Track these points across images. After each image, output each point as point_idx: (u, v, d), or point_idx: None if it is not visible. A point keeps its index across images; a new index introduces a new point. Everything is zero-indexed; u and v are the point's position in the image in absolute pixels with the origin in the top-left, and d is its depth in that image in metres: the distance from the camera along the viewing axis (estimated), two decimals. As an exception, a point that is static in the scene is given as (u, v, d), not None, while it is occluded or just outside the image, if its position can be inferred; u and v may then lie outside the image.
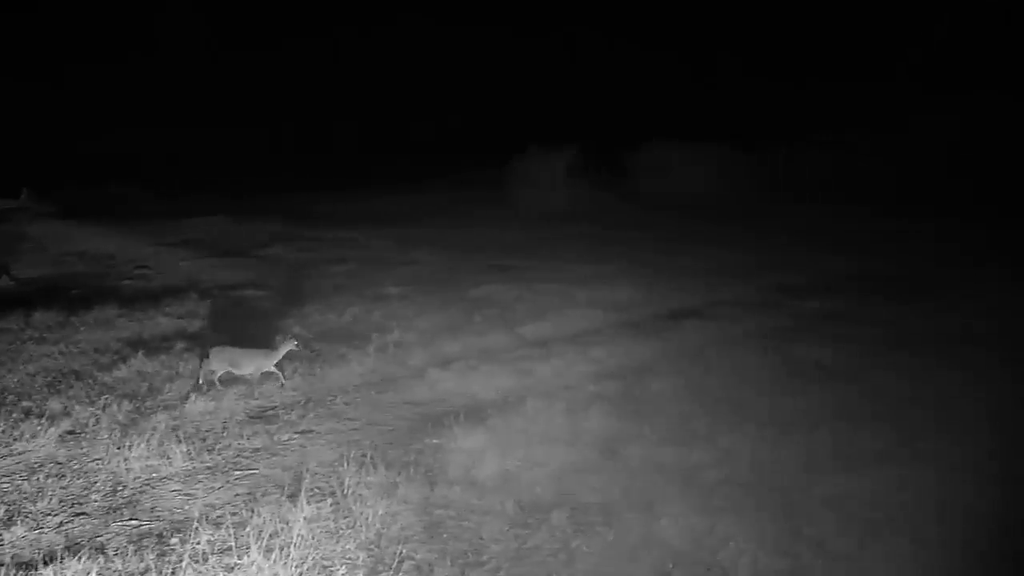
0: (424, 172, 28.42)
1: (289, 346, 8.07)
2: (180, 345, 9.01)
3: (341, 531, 5.12)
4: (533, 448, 6.44)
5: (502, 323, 10.26)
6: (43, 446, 6.39)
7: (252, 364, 7.90)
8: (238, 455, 6.38)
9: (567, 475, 6.02)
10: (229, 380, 7.92)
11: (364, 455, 6.19)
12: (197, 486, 5.80)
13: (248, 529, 4.97)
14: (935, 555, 4.97)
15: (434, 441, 6.66)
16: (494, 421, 6.97)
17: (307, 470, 5.96)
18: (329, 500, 5.51)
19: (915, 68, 31.58)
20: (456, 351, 9.22)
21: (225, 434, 6.75)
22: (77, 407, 7.17)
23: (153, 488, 5.75)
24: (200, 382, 7.85)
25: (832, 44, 34.85)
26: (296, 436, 6.79)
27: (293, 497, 5.43)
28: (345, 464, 5.97)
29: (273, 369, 8.01)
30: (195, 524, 5.02)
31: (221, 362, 7.77)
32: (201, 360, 8.04)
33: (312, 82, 36.31)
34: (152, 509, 5.43)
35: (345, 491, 5.60)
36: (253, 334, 9.53)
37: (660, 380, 8.02)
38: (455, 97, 37.65)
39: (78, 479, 5.87)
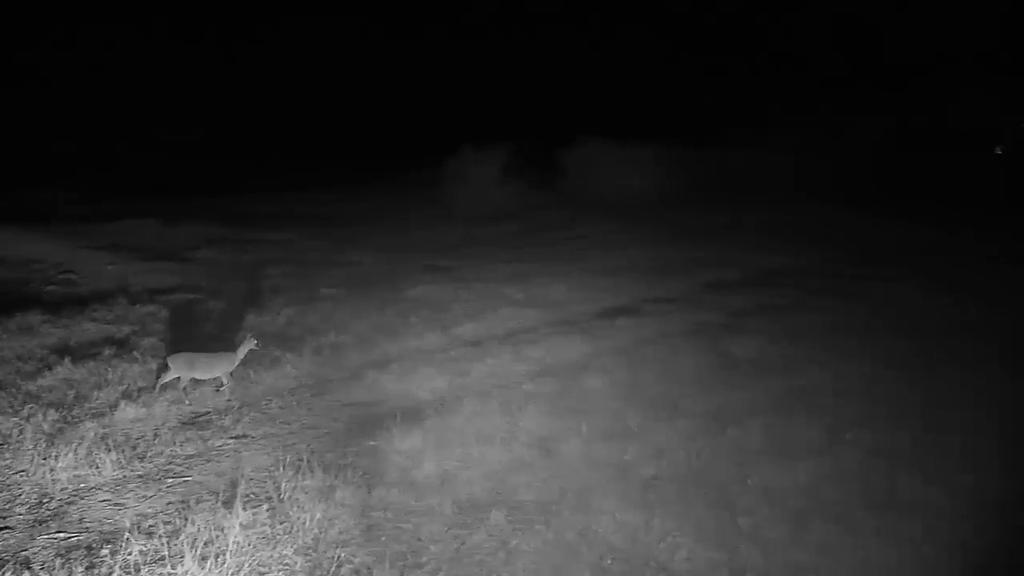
0: (358, 174, 28.17)
1: (249, 346, 7.93)
2: (108, 351, 8.77)
3: (278, 536, 5.08)
4: (470, 448, 6.47)
5: (438, 323, 10.26)
6: (-36, 459, 6.19)
7: (215, 368, 7.74)
8: (170, 462, 6.27)
9: (504, 474, 6.07)
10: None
11: (300, 459, 6.14)
12: (128, 495, 5.69)
13: (182, 538, 4.90)
14: (866, 542, 5.16)
15: (371, 443, 6.64)
16: (431, 422, 6.98)
17: (242, 476, 5.90)
18: (265, 505, 5.46)
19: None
20: (393, 352, 9.19)
21: (157, 441, 6.62)
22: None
23: (81, 499, 5.62)
24: (157, 390, 7.64)
25: (769, 44, 35.83)
26: (230, 442, 6.70)
27: (228, 503, 5.37)
28: (281, 469, 5.92)
29: (229, 373, 7.85)
30: (126, 534, 4.92)
31: (181, 368, 7.55)
32: (159, 369, 7.85)
33: (240, 82, 35.73)
34: (80, 520, 5.31)
35: (281, 496, 5.56)
36: (189, 337, 9.38)
37: (595, 378, 8.13)
38: (385, 98, 37.41)
39: (1, 492, 5.70)
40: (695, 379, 8.15)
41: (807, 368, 8.48)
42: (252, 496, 5.62)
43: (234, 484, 5.70)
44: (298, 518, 5.24)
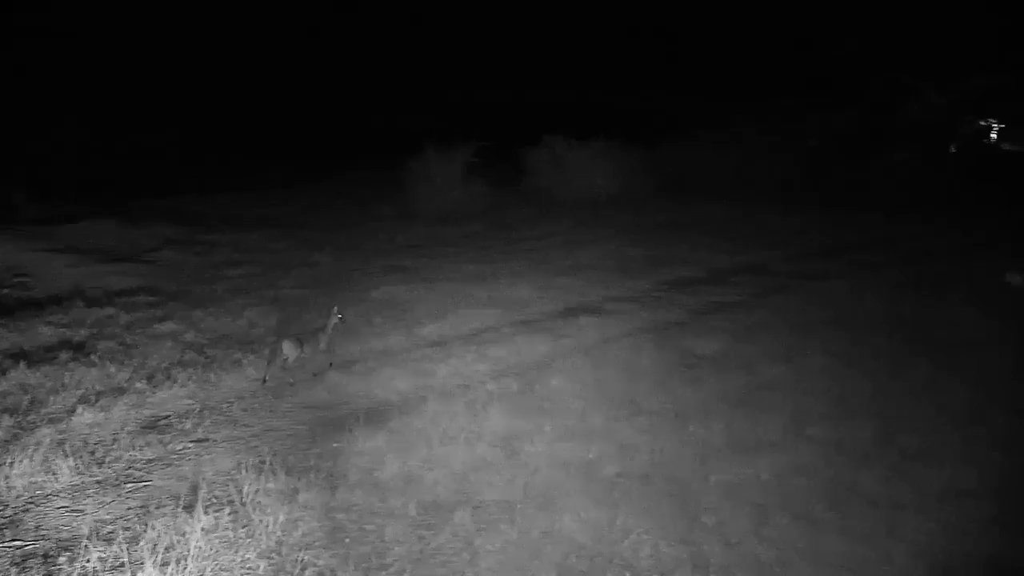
0: (320, 174, 27.96)
1: (334, 320, 8.59)
2: (65, 355, 8.63)
3: (240, 540, 5.04)
4: (434, 448, 6.48)
5: (402, 324, 10.25)
6: (-85, 467, 6.05)
7: (317, 343, 8.47)
8: (130, 467, 6.19)
9: (469, 474, 6.08)
10: (116, 390, 7.68)
11: (263, 461, 6.09)
12: (86, 501, 5.60)
13: (142, 544, 4.83)
14: (828, 537, 5.25)
15: (334, 445, 6.62)
16: (395, 423, 6.97)
17: (204, 479, 5.83)
18: (227, 509, 5.41)
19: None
20: (355, 353, 9.17)
21: (115, 446, 6.53)
22: (-47, 424, 6.80)
23: (38, 506, 5.53)
24: (267, 378, 8.11)
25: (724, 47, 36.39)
26: (191, 445, 6.63)
27: (189, 508, 5.30)
28: (243, 471, 5.87)
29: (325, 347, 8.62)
30: (84, 541, 4.84)
31: (292, 351, 8.08)
32: (271, 354, 8.24)
33: (202, 82, 35.25)
34: (37, 528, 5.22)
35: (244, 499, 5.51)
36: (153, 338, 9.28)
37: (558, 377, 8.16)
38: (346, 97, 37.21)
39: (-45, 500, 5.59)
40: (657, 377, 8.22)
41: (767, 364, 8.59)
42: (214, 500, 5.57)
43: (195, 488, 5.64)
44: (261, 521, 5.20)
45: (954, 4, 34.67)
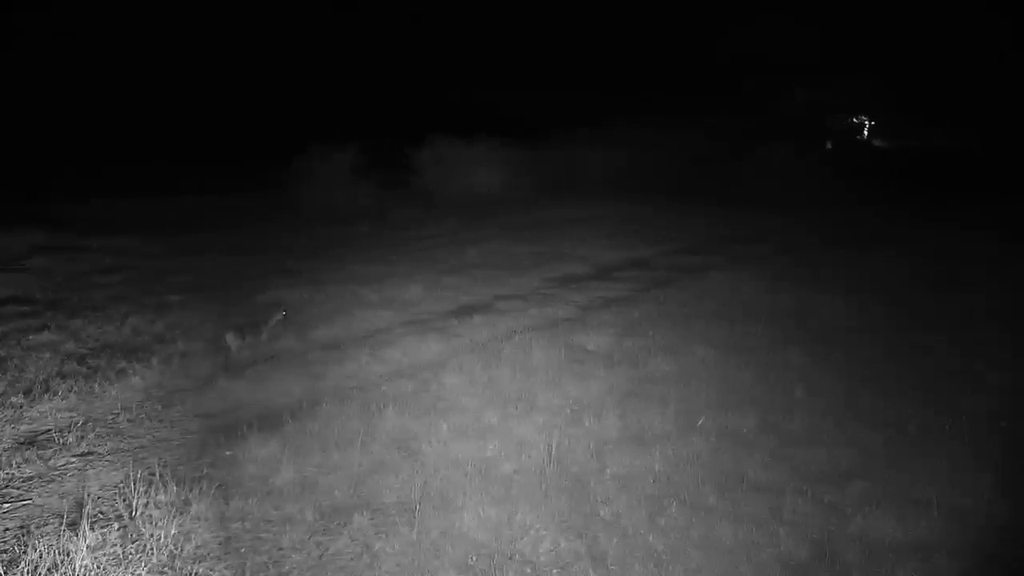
0: (201, 176, 27.09)
1: (278, 316, 9.29)
2: (-73, 372, 8.17)
3: (130, 556, 4.92)
4: (330, 453, 6.46)
5: (292, 327, 10.11)
6: None
7: (259, 335, 9.05)
8: (7, 486, 5.93)
9: (366, 477, 6.10)
10: (-8, 405, 7.33)
11: (152, 474, 5.95)
12: (-40, 524, 5.35)
13: (22, 566, 4.65)
14: (719, 524, 5.50)
15: (227, 453, 6.51)
16: (288, 428, 6.91)
17: (89, 495, 5.65)
18: (115, 525, 5.26)
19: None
20: (245, 358, 9.00)
21: (-10, 465, 6.25)
22: None
23: (-93, 532, 5.25)
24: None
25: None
26: (75, 460, 6.40)
27: (74, 525, 5.14)
28: (132, 485, 5.71)
29: None
30: (-40, 566, 4.64)
31: (234, 340, 8.68)
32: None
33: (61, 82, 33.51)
34: (-92, 555, 4.96)
35: (133, 514, 5.37)
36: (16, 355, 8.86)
37: (452, 376, 8.25)
38: (226, 96, 36.14)
39: None
40: (550, 373, 8.40)
41: (655, 358, 8.89)
42: (100, 516, 5.41)
43: (80, 504, 5.46)
44: (151, 536, 5.09)
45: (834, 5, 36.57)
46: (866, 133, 47.05)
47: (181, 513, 5.41)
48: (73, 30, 34.13)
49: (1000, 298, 11.85)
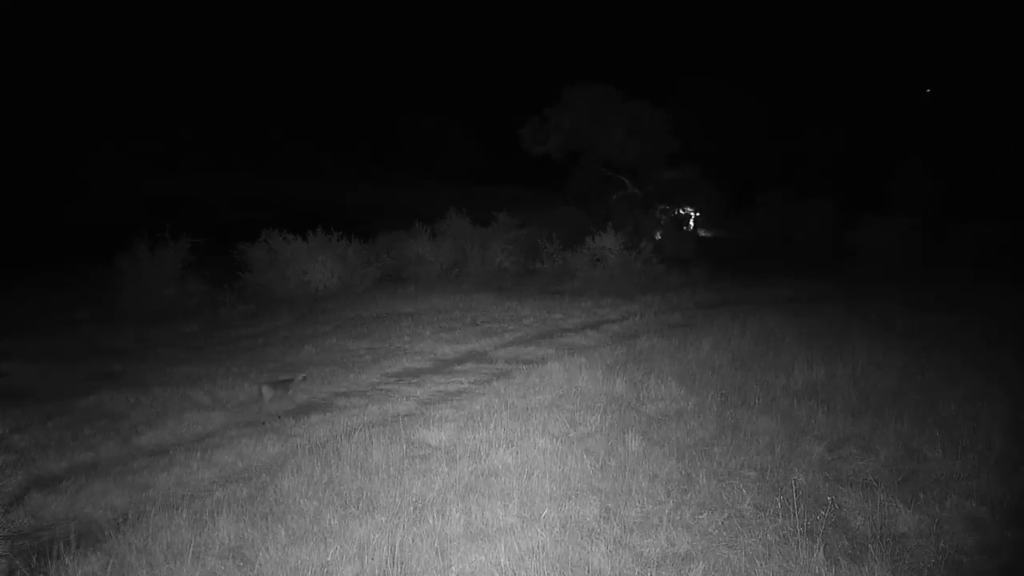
0: (11, 273, 25.37)
1: (300, 377, 11.79)
2: None
3: None
4: (158, 567, 6.08)
5: (116, 433, 9.53)
6: None
7: (286, 390, 11.36)
8: None
9: (198, 591, 5.78)
10: None
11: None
12: None
13: None
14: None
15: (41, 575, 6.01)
16: (111, 543, 6.46)
17: None
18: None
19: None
20: (62, 469, 8.38)
21: None
22: None
23: None
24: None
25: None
26: None
27: None
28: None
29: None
30: None
31: (270, 392, 11.03)
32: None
33: None
34: None
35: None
36: None
37: (290, 477, 7.99)
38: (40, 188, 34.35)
39: None
40: (390, 471, 8.28)
41: (494, 450, 8.93)
42: None
43: None
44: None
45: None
46: (692, 224, 50.41)
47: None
48: None
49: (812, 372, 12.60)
